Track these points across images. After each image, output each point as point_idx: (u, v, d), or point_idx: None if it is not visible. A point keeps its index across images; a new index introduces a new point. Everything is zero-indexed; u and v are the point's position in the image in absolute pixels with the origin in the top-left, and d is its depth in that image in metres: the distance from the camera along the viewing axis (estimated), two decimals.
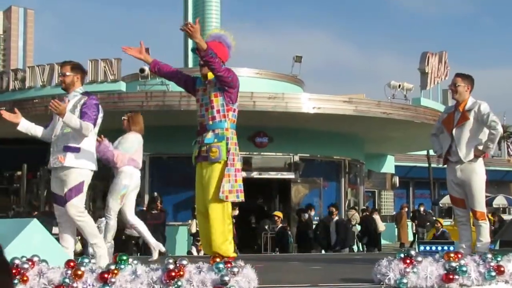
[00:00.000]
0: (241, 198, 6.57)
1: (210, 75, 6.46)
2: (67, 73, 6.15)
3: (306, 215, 16.96)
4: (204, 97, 6.52)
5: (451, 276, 4.62)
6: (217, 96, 6.42)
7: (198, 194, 6.66)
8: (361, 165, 23.02)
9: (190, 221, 16.77)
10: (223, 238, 6.40)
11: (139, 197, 19.00)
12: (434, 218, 22.87)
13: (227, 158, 6.41)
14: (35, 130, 6.27)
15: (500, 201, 30.71)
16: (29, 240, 4.71)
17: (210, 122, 6.44)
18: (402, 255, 4.75)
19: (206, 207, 6.45)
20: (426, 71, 25.45)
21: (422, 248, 8.18)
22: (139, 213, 15.02)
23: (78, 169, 6.00)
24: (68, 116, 5.84)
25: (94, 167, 6.17)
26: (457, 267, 4.67)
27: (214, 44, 6.48)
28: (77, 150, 6.00)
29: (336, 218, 16.26)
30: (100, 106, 6.21)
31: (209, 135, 6.45)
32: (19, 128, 6.24)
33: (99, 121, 6.17)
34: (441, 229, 16.62)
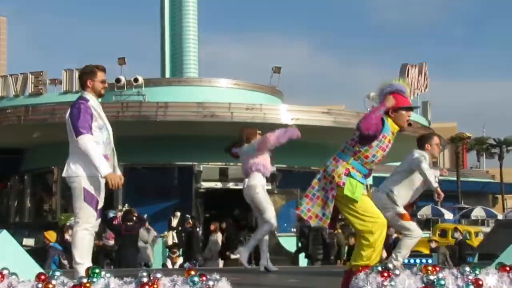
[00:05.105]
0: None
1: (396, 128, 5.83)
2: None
3: None
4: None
5: None
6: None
7: None
8: None
9: (166, 233, 16.56)
10: None
11: (112, 207, 18.93)
12: None
13: None
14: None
15: (478, 212, 30.47)
16: None
17: None
18: (379, 268, 4.74)
19: None
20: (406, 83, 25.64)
21: None
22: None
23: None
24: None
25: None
26: (435, 280, 4.66)
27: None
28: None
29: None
30: None
31: None
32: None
33: None
34: None
